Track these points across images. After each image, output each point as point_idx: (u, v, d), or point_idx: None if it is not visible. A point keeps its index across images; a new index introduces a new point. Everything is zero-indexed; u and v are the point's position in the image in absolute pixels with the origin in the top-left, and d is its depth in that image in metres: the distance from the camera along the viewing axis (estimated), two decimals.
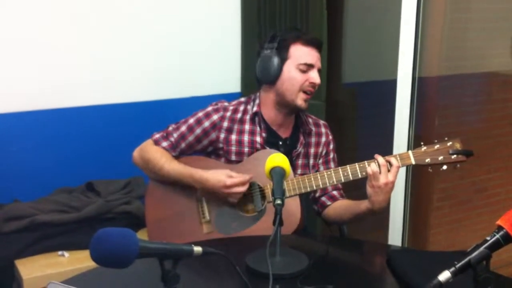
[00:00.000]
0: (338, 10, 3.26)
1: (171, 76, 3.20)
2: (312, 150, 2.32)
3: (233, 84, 3.36)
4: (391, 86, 2.78)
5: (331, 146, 2.37)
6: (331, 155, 2.37)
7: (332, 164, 2.36)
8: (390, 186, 1.99)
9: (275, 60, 2.18)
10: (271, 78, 2.20)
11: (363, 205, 2.07)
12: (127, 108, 3.09)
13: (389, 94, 2.80)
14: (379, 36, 3.26)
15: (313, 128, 2.34)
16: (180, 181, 2.19)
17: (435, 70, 3.08)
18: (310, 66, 2.18)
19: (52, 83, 2.89)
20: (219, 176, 2.11)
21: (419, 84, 2.75)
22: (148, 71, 3.14)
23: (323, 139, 2.35)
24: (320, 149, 2.34)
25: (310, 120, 2.35)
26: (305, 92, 2.20)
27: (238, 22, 3.32)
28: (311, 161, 2.31)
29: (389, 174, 1.98)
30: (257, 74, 2.25)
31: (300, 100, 2.20)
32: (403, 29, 2.66)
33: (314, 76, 2.19)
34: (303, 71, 2.18)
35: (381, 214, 2.09)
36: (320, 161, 2.34)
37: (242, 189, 2.11)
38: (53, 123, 2.91)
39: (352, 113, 3.55)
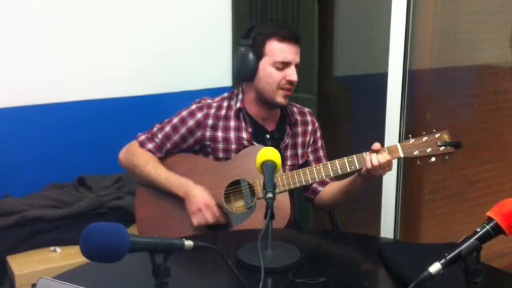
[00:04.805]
0: (329, 4, 3.25)
1: (162, 71, 3.20)
2: (299, 140, 2.32)
3: (224, 79, 3.36)
4: (383, 79, 2.78)
5: (318, 134, 2.37)
6: (319, 143, 2.37)
7: (321, 152, 2.36)
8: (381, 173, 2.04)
9: (251, 58, 2.15)
10: (248, 76, 2.18)
11: (353, 177, 2.11)
12: (119, 103, 3.08)
13: (381, 88, 2.80)
14: (371, 30, 3.26)
15: (299, 118, 2.32)
16: (166, 189, 2.18)
17: (426, 63, 3.08)
18: (287, 64, 2.14)
19: (43, 78, 2.89)
20: (206, 194, 2.12)
21: (410, 77, 2.75)
22: (139, 66, 3.13)
23: (310, 127, 2.35)
24: (307, 138, 2.34)
25: (295, 109, 2.34)
26: (283, 89, 2.17)
27: (229, 16, 3.31)
28: (300, 151, 2.31)
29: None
30: (235, 71, 2.23)
31: (279, 97, 2.18)
32: (394, 22, 2.66)
33: (291, 73, 2.14)
34: (280, 69, 2.14)
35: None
36: (309, 149, 2.34)
37: (211, 220, 2.11)
38: (44, 118, 2.90)
39: (344, 107, 3.55)
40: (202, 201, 2.10)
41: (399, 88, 2.71)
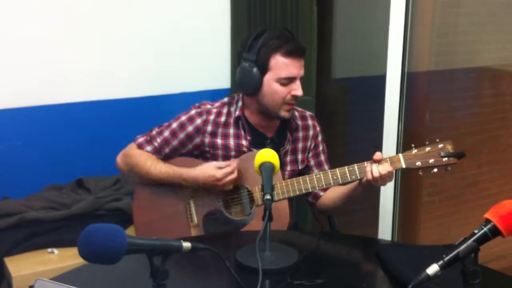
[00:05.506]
0: (328, 5, 3.26)
1: (160, 72, 3.19)
2: (300, 145, 2.29)
3: (223, 80, 3.35)
4: (381, 81, 2.78)
5: (320, 138, 2.34)
6: (321, 147, 2.34)
7: (322, 156, 2.34)
8: (381, 184, 2.03)
9: (255, 73, 2.08)
10: (252, 91, 2.13)
11: (354, 184, 2.10)
12: (117, 104, 3.08)
13: (379, 90, 2.80)
14: (370, 31, 3.26)
15: (300, 122, 2.29)
16: (169, 182, 2.16)
17: (425, 65, 3.08)
18: (292, 79, 2.09)
19: (41, 79, 2.88)
20: (208, 171, 2.10)
21: (409, 79, 2.76)
22: (138, 67, 3.13)
23: (311, 132, 2.32)
24: (308, 143, 2.31)
25: (296, 114, 2.30)
26: (288, 103, 2.13)
27: (228, 18, 3.31)
28: (300, 156, 2.29)
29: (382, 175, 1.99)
30: (237, 84, 2.18)
31: (283, 112, 2.14)
32: (392, 24, 2.67)
33: (296, 88, 2.10)
34: (285, 84, 2.09)
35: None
36: (310, 154, 2.32)
37: (233, 176, 2.09)
38: (42, 120, 2.90)
39: (342, 109, 3.55)
40: (214, 181, 2.08)
41: (397, 90, 2.71)
